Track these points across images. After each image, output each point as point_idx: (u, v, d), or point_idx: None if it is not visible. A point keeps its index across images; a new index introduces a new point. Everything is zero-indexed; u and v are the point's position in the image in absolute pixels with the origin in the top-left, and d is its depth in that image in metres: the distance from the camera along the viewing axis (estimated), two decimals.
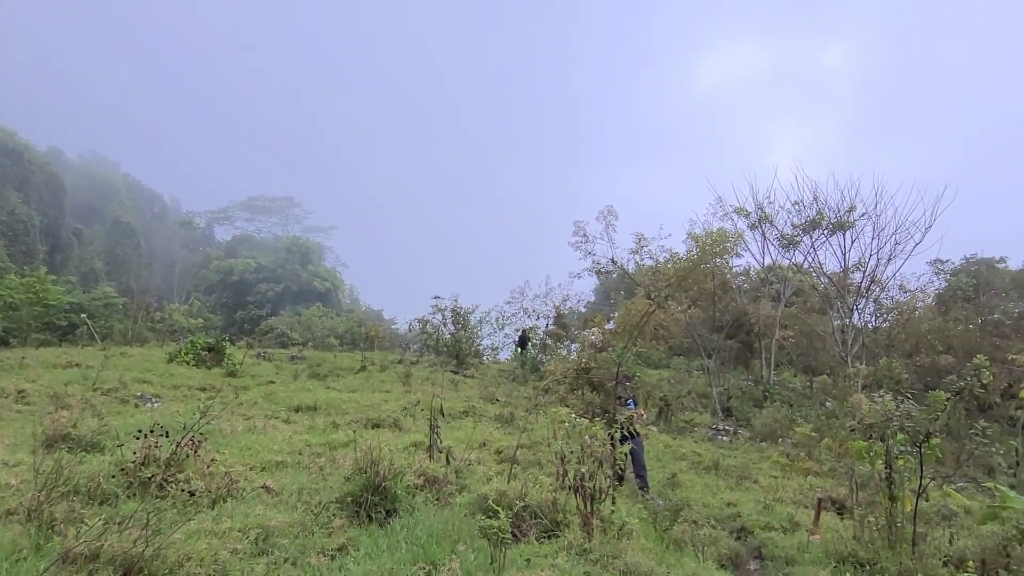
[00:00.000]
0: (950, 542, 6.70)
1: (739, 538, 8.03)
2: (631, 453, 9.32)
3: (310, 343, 29.46)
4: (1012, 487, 13.94)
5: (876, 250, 23.70)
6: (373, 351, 27.01)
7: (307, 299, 53.51)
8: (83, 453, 7.05)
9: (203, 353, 18.27)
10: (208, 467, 6.43)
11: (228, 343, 20.72)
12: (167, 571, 4.16)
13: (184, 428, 5.88)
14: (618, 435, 9.19)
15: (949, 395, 6.93)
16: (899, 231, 23.23)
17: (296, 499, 6.41)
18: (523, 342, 26.50)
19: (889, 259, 23.76)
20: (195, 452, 6.36)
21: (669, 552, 6.36)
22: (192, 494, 5.81)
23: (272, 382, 16.13)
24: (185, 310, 29.94)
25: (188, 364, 17.38)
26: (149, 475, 5.82)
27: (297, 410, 12.32)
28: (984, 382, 7.48)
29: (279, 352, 24.55)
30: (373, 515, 5.97)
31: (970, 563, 5.63)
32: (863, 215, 23.73)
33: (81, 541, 3.98)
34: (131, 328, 27.51)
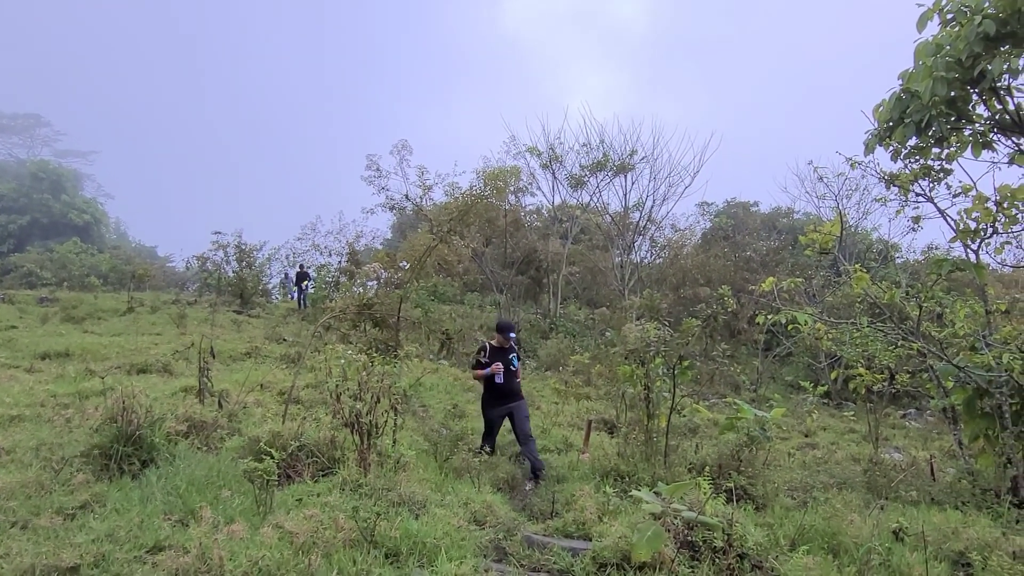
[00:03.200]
0: (695, 451, 7.54)
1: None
2: (512, 418, 7.97)
3: (65, 283, 26.05)
4: (753, 401, 16.13)
5: (653, 191, 25.76)
6: (143, 291, 24.57)
7: (61, 233, 46.76)
8: None
9: None
10: None
11: None
12: None
13: None
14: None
15: (699, 322, 7.69)
16: (672, 174, 25.39)
17: (32, 456, 5.67)
18: (301, 279, 25.27)
19: (663, 200, 25.95)
20: None
21: (447, 480, 6.51)
22: None
23: (14, 327, 14.09)
24: None
25: None
26: None
27: (44, 358, 10.88)
28: (729, 309, 8.40)
29: (25, 294, 21.46)
30: (125, 467, 5.43)
31: (708, 468, 6.36)
32: (643, 159, 25.55)
33: None
34: None
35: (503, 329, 8.12)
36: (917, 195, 7.80)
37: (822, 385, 14.96)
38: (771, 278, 7.89)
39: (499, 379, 7.89)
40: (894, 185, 8.07)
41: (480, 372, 7.96)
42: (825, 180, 25.47)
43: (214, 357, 8.34)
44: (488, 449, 7.94)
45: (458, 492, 5.78)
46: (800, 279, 8.17)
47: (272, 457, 4.80)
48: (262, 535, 3.95)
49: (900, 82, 7.24)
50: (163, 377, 10.00)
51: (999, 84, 6.63)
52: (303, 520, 4.16)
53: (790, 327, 8.10)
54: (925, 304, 7.51)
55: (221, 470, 5.46)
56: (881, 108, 7.51)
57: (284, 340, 15.44)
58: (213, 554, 3.43)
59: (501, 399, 7.99)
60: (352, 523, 4.16)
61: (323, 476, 5.79)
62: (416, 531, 4.28)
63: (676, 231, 29.87)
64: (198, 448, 6.28)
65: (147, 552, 3.91)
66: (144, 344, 12.66)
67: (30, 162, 58.07)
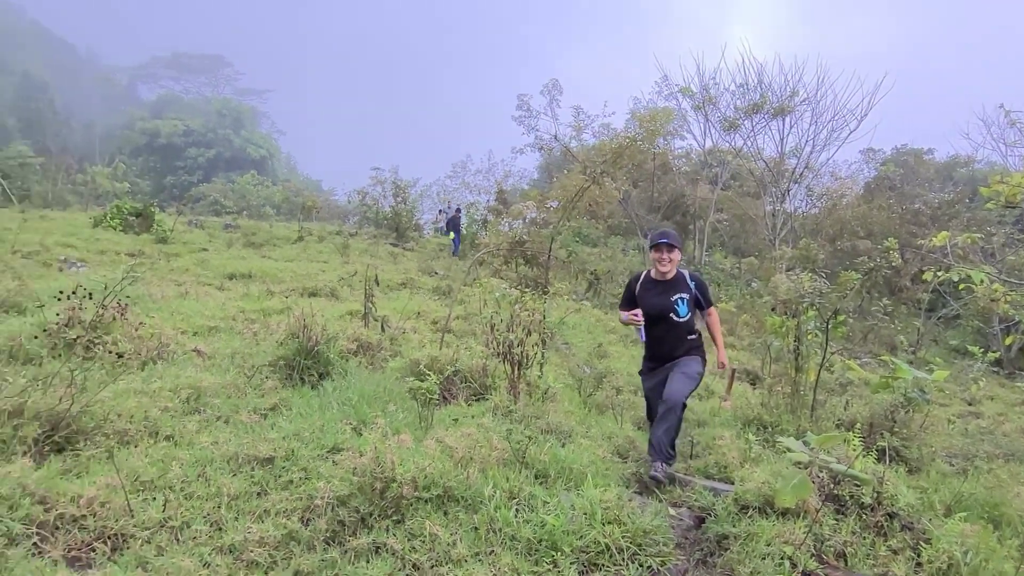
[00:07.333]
0: (845, 408, 7.31)
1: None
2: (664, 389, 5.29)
3: (244, 212, 28.69)
4: (911, 363, 15.14)
5: (813, 136, 24.12)
6: (311, 222, 26.53)
7: (240, 166, 51.32)
8: (2, 314, 6.89)
9: (131, 218, 17.54)
10: (136, 330, 6.36)
11: (157, 209, 19.94)
12: (94, 427, 4.21)
13: (106, 290, 5.74)
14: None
15: (859, 275, 7.34)
16: (836, 118, 23.62)
17: (229, 362, 6.47)
18: (453, 224, 24.28)
19: (824, 146, 24.26)
20: (122, 315, 6.26)
21: (591, 415, 6.76)
22: (120, 356, 5.76)
23: (205, 250, 15.80)
24: (110, 173, 28.26)
25: (115, 229, 16.72)
26: (74, 337, 5.72)
27: (231, 278, 12.18)
28: (893, 264, 7.91)
29: (212, 220, 23.85)
30: (306, 378, 6.10)
31: (858, 425, 6.17)
32: (804, 100, 23.90)
33: (2, 397, 3.96)
34: (51, 190, 26.06)
35: (654, 239, 5.49)
36: None
37: (993, 351, 13.75)
38: (944, 232, 7.34)
39: (641, 335, 5.51)
40: None
41: (622, 316, 5.70)
42: (1018, 125, 22.74)
43: (378, 285, 8.99)
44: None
45: (602, 426, 6.01)
46: (978, 235, 7.52)
47: (433, 378, 5.22)
48: (425, 447, 4.35)
49: None
50: (330, 301, 10.90)
51: None
52: (461, 437, 4.53)
53: (961, 287, 7.54)
54: None
55: (387, 387, 5.99)
56: None
57: (436, 273, 16.25)
58: (386, 458, 3.85)
59: (654, 363, 5.63)
60: (505, 444, 4.48)
61: (475, 401, 6.20)
62: (564, 457, 4.55)
63: (836, 179, 27.96)
64: (365, 366, 6.90)
65: (328, 452, 4.43)
66: (313, 270, 13.82)
67: (214, 100, 63.75)
